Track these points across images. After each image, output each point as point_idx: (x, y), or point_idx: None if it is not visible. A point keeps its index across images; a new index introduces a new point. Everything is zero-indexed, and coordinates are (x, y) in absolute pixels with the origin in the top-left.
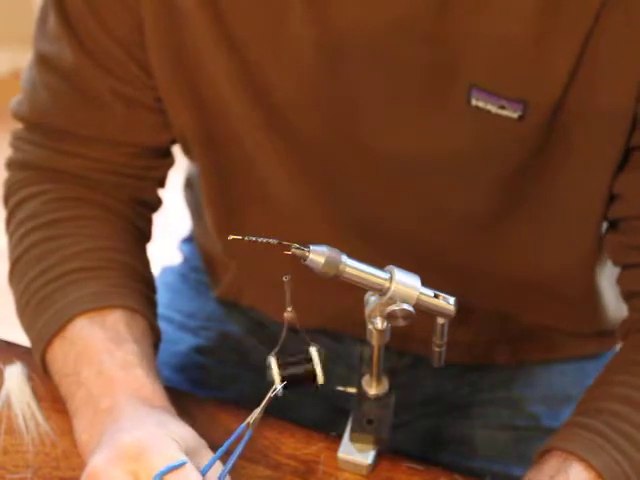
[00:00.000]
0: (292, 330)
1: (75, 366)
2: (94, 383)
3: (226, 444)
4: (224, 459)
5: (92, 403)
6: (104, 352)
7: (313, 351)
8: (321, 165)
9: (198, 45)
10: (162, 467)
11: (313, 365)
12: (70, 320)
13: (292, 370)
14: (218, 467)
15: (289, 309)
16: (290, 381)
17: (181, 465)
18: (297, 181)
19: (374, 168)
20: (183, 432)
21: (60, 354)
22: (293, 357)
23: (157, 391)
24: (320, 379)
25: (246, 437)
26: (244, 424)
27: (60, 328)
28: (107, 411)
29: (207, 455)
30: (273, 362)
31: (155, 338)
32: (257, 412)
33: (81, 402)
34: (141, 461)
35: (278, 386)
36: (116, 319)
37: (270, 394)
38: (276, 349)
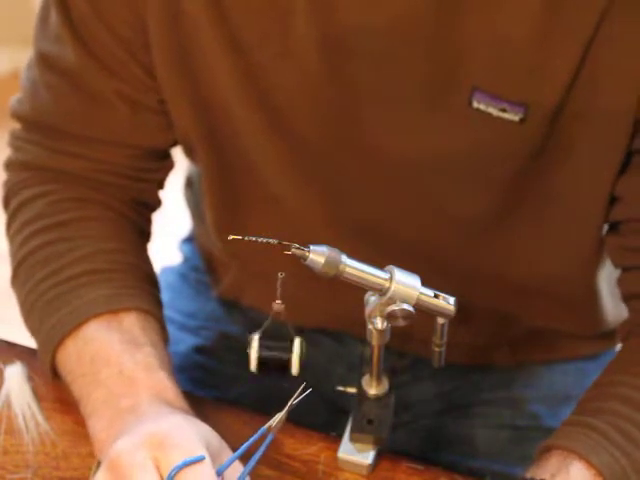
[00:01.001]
0: (294, 330)
1: (92, 366)
2: (115, 383)
3: (245, 446)
4: (242, 461)
5: (112, 403)
6: (124, 353)
7: (297, 342)
8: (322, 166)
9: (202, 47)
10: (183, 458)
11: (292, 354)
12: (84, 322)
13: (271, 354)
14: (235, 469)
15: (278, 302)
16: (265, 365)
17: (199, 460)
18: (298, 182)
19: (375, 169)
20: (207, 432)
21: (74, 354)
22: (275, 343)
23: (179, 395)
24: (295, 368)
25: (267, 440)
26: (265, 427)
27: (73, 329)
28: (129, 410)
29: (228, 456)
30: (255, 341)
31: (166, 339)
32: (280, 416)
33: (99, 402)
34: (164, 450)
35: (298, 393)
36: (131, 322)
37: (293, 400)
38: (260, 330)
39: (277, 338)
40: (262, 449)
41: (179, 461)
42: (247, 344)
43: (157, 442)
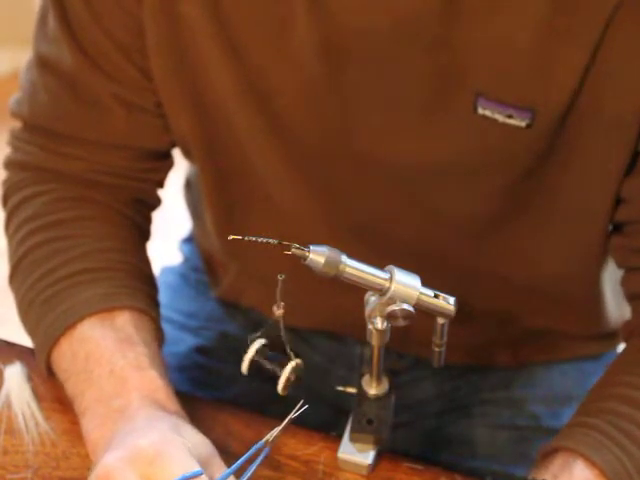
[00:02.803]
0: (293, 331)
1: (86, 365)
2: (106, 382)
3: (241, 460)
4: (236, 474)
5: (104, 402)
6: (116, 352)
7: (290, 364)
8: (322, 170)
9: (200, 51)
10: (175, 474)
11: (281, 376)
12: (79, 320)
13: (264, 363)
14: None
15: (281, 304)
16: (256, 370)
17: (196, 475)
18: (297, 186)
19: (375, 174)
20: (197, 439)
21: (69, 353)
22: (273, 355)
23: (170, 395)
24: (280, 390)
25: (263, 454)
26: (262, 441)
27: (69, 327)
28: (120, 411)
29: (219, 464)
30: (255, 345)
31: (161, 340)
32: (277, 430)
33: (92, 401)
34: (155, 466)
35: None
36: (125, 320)
37: (292, 415)
38: (259, 332)
39: (280, 345)
40: (257, 462)
41: (174, 474)
42: (247, 343)
43: (148, 459)
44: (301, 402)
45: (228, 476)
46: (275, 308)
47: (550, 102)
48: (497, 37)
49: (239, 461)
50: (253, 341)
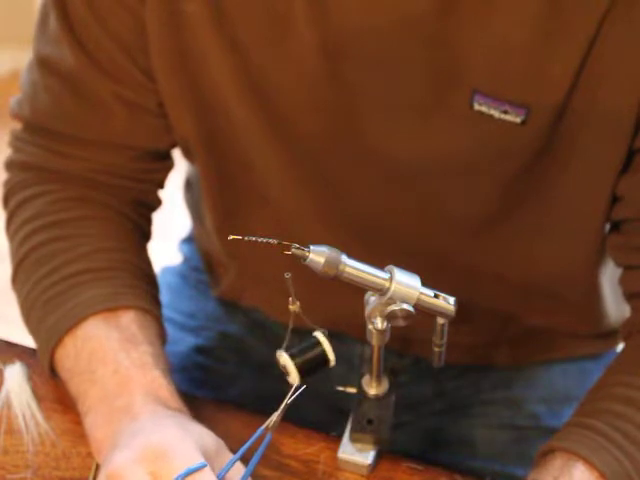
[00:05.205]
0: (293, 331)
1: (89, 364)
2: (110, 381)
3: (243, 448)
4: (241, 462)
5: (107, 401)
6: (120, 351)
7: (319, 334)
8: (322, 168)
9: (201, 49)
10: (180, 468)
11: (323, 346)
12: (83, 319)
13: (305, 357)
14: (236, 470)
15: (295, 303)
16: (305, 370)
17: (200, 468)
18: (297, 184)
19: (375, 172)
20: (203, 435)
21: (72, 352)
22: (300, 347)
23: (174, 394)
24: (332, 359)
25: (266, 441)
26: (263, 427)
27: (72, 326)
28: (124, 410)
29: (227, 456)
30: (285, 355)
31: (164, 339)
32: (276, 415)
33: (95, 400)
34: (162, 463)
35: (295, 386)
36: (130, 320)
37: (288, 398)
38: (284, 346)
39: (295, 342)
40: (261, 450)
41: (177, 473)
42: (277, 364)
43: (154, 456)
44: (295, 385)
45: (232, 464)
46: (290, 306)
47: (545, 99)
48: (493, 35)
49: (241, 449)
50: (280, 358)
